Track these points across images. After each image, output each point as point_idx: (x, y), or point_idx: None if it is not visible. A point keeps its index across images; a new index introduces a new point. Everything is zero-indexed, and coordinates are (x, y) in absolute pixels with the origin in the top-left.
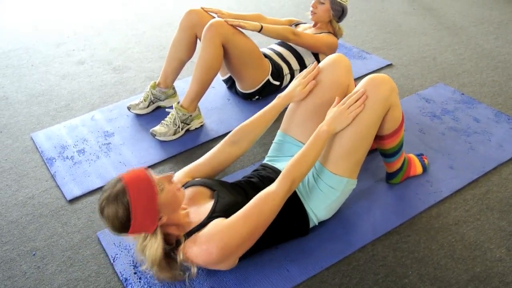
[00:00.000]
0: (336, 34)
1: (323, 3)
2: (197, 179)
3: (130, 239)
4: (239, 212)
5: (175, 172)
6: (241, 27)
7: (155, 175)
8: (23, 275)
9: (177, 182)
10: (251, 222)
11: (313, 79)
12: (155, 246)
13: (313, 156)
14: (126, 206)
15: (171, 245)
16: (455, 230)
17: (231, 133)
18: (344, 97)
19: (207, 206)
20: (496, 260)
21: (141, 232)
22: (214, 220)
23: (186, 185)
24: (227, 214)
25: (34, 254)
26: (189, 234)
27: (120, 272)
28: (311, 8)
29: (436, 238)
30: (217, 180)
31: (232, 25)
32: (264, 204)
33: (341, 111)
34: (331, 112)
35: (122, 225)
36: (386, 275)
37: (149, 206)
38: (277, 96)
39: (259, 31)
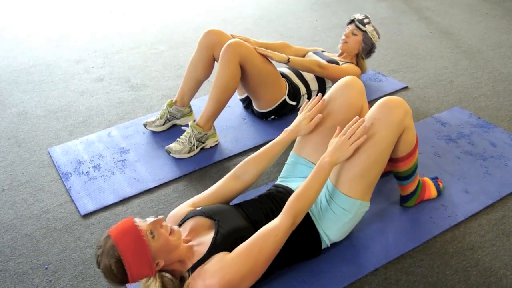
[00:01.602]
0: (360, 68)
1: (356, 35)
2: (198, 208)
3: None
4: (241, 247)
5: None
6: (268, 57)
7: (143, 222)
8: None
9: (167, 225)
10: (253, 259)
11: (319, 112)
12: None
13: (316, 189)
14: (118, 261)
15: (177, 279)
16: (470, 256)
17: (235, 167)
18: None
19: (208, 237)
20: None
21: (142, 279)
22: (216, 255)
23: (187, 216)
24: (228, 244)
25: (46, 268)
26: (193, 268)
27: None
28: (343, 37)
29: (450, 263)
30: (219, 205)
31: (261, 54)
32: (266, 240)
33: (343, 141)
34: (333, 143)
35: (120, 278)
36: None
37: (142, 256)
38: (284, 131)
39: (286, 63)
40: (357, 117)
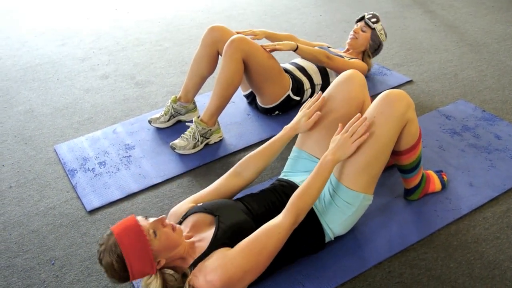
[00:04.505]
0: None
1: (365, 32)
2: (199, 204)
3: None
4: (243, 244)
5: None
6: (277, 50)
7: (146, 221)
8: (42, 283)
9: (169, 223)
10: (254, 256)
11: (318, 109)
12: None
13: (318, 186)
14: (120, 258)
15: (179, 275)
16: (474, 248)
17: (236, 164)
18: (358, 113)
19: (209, 232)
20: None
21: (143, 277)
22: (218, 250)
23: (188, 213)
24: (229, 239)
25: (53, 263)
26: (194, 264)
27: (136, 283)
28: (351, 33)
29: (454, 256)
30: (219, 200)
31: (265, 50)
32: (268, 238)
33: (345, 139)
34: (335, 141)
35: (121, 276)
36: None
37: (143, 254)
38: (283, 128)
39: (295, 51)
40: (358, 114)
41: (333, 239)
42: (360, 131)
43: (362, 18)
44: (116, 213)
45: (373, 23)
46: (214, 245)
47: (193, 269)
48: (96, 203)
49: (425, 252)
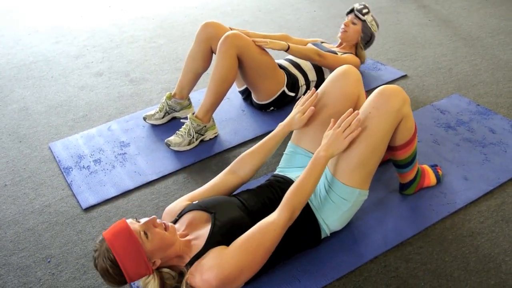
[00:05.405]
0: (359, 58)
1: (355, 24)
2: (194, 202)
3: None
4: (239, 241)
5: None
6: (268, 47)
7: (137, 223)
8: (38, 281)
9: (161, 222)
10: (251, 254)
11: (312, 105)
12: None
13: (312, 182)
14: (114, 263)
15: (176, 273)
16: (469, 242)
17: (232, 162)
18: (353, 109)
19: (205, 230)
20: (511, 273)
21: (141, 278)
22: (214, 249)
23: (184, 211)
24: (225, 236)
25: (49, 261)
26: (191, 263)
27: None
28: (342, 26)
29: (449, 249)
30: (215, 197)
31: (259, 46)
32: (264, 235)
33: (337, 134)
34: (327, 136)
35: (118, 279)
36: (398, 286)
37: (136, 257)
38: (278, 125)
39: (286, 51)
40: (351, 109)
41: (329, 234)
42: (352, 126)
43: (352, 11)
44: (111, 210)
45: (363, 14)
46: (210, 243)
47: (190, 267)
48: (92, 201)
49: (420, 246)
